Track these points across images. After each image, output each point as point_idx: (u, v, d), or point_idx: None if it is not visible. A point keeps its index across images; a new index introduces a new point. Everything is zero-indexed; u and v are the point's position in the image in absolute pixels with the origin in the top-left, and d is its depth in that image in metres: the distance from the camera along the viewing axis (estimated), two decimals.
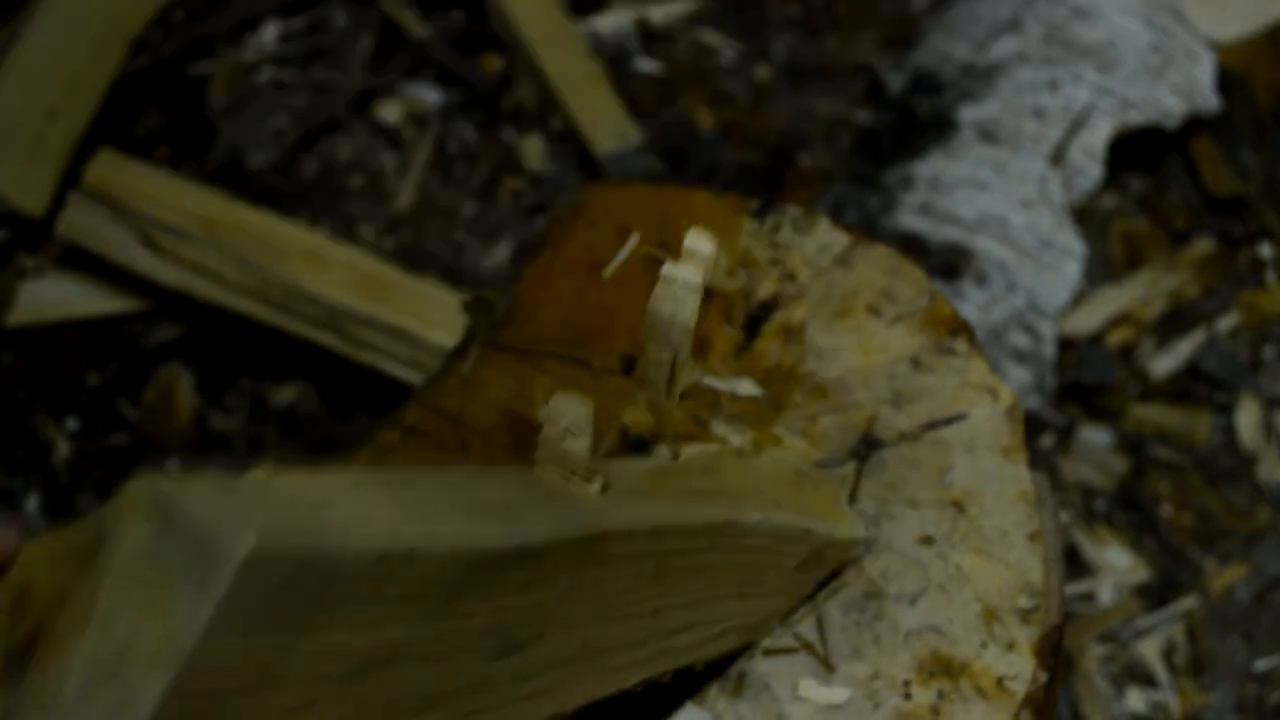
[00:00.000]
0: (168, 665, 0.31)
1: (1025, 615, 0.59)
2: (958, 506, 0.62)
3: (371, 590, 0.36)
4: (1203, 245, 1.18)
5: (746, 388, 0.67)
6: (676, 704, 0.60)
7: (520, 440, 0.70)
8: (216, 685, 0.33)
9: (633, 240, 0.73)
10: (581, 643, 0.47)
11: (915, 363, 0.67)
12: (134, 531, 0.33)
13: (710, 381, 0.68)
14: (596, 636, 0.48)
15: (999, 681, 0.57)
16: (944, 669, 0.58)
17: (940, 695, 0.58)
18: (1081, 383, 1.10)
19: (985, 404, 0.65)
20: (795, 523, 0.56)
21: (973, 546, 0.61)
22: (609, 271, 0.73)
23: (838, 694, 0.58)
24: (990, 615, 0.59)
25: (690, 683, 0.61)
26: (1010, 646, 0.58)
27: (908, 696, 0.58)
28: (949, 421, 0.65)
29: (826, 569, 0.60)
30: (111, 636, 0.33)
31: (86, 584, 0.33)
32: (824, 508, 0.60)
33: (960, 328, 0.67)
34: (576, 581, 0.45)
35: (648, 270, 0.72)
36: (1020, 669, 0.58)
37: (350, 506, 0.35)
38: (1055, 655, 0.59)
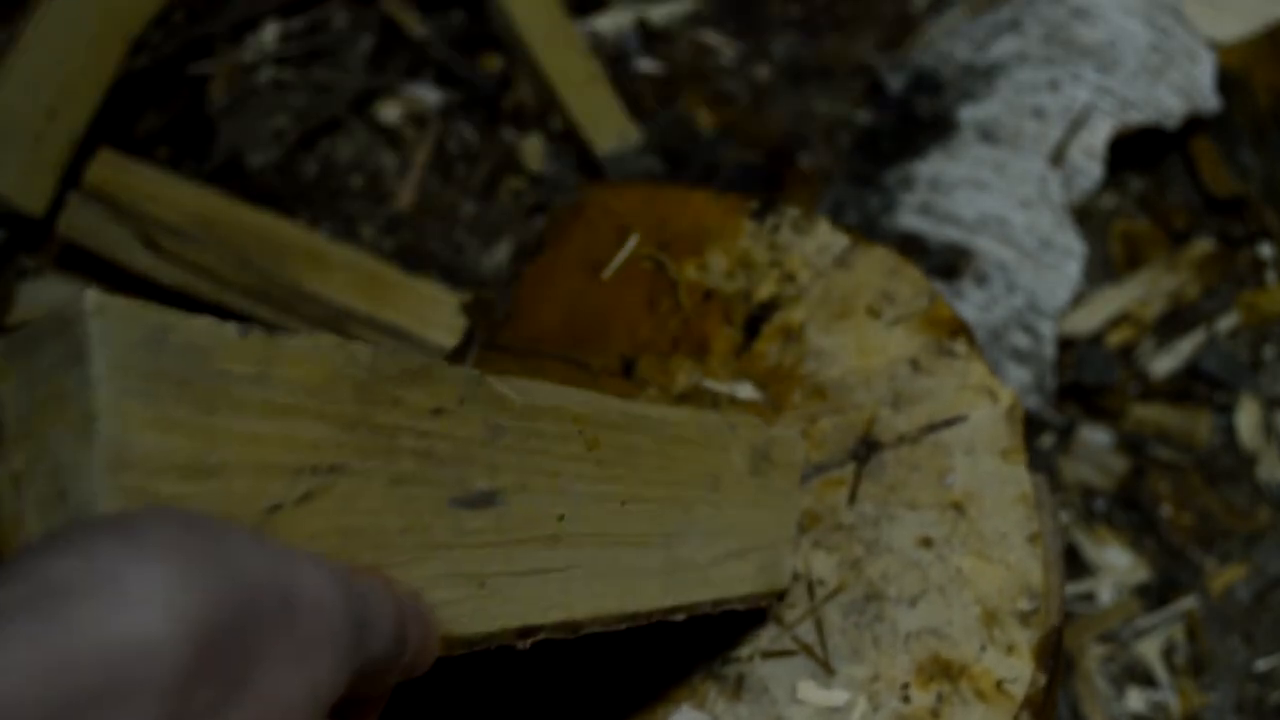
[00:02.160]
0: (90, 456, 0.33)
1: (1025, 618, 0.59)
2: (957, 508, 0.62)
3: (256, 371, 0.37)
4: (1203, 245, 1.18)
5: (746, 391, 0.67)
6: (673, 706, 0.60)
7: None
8: (148, 477, 0.34)
9: (632, 241, 0.73)
10: (558, 519, 0.48)
11: (915, 364, 0.67)
12: (6, 382, 0.34)
13: (710, 384, 0.68)
14: (573, 517, 0.48)
15: (998, 684, 0.57)
16: (943, 671, 0.58)
17: (940, 698, 0.58)
18: (1081, 383, 1.10)
19: (985, 406, 0.65)
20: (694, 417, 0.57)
21: (972, 549, 0.61)
22: (608, 272, 0.73)
23: (837, 696, 0.58)
24: (990, 617, 0.59)
25: (682, 680, 0.61)
26: (1010, 649, 0.58)
27: (907, 699, 0.58)
28: (948, 423, 0.65)
29: (782, 473, 0.61)
30: (39, 465, 0.34)
31: None
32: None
33: (959, 329, 0.67)
34: (501, 427, 0.45)
35: (647, 271, 0.73)
36: (1020, 671, 0.58)
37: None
38: (1055, 657, 0.59)
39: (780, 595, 0.62)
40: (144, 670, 0.30)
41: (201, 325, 0.36)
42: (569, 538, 0.48)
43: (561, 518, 0.48)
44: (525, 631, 0.46)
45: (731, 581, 0.57)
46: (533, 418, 0.47)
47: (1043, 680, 0.57)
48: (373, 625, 0.37)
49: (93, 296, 0.34)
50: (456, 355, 0.74)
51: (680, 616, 0.54)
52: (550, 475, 0.47)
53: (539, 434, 0.47)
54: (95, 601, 0.30)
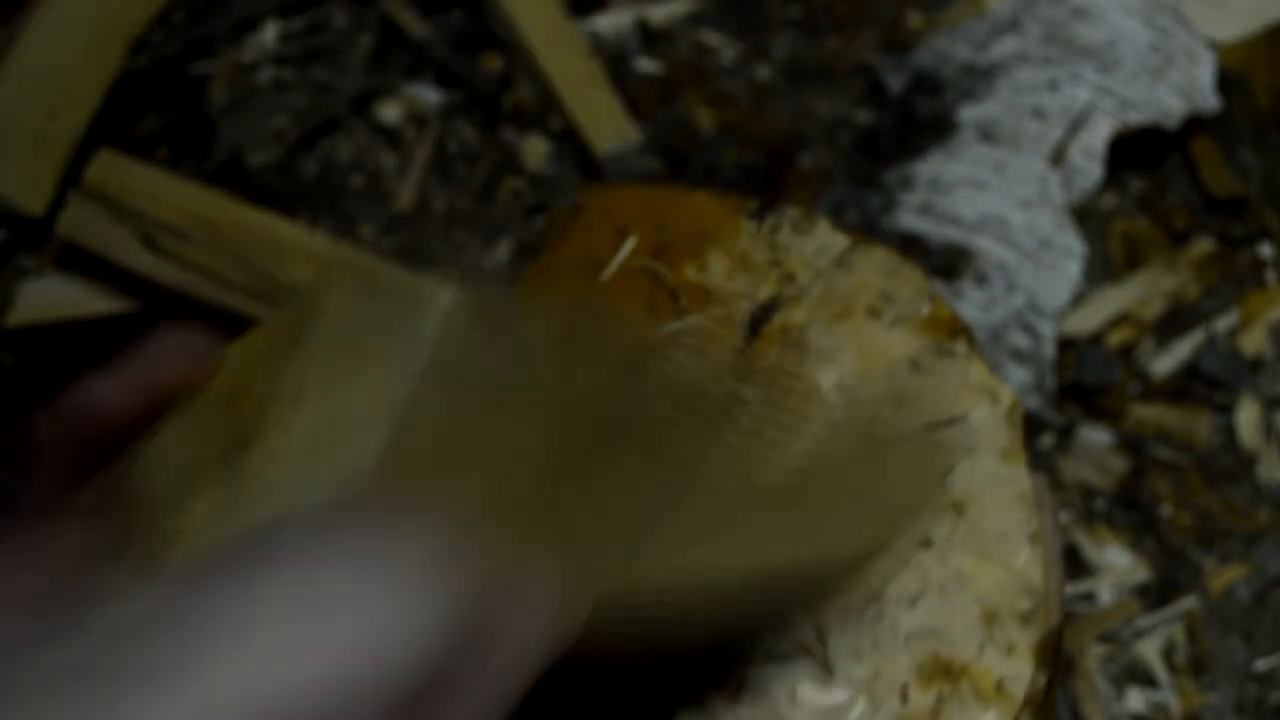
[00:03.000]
0: (382, 422, 0.32)
1: (1025, 617, 0.59)
2: (957, 509, 0.62)
3: (564, 352, 0.37)
4: (1203, 245, 1.18)
5: (746, 396, 0.67)
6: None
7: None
8: (428, 445, 0.33)
9: (629, 244, 0.73)
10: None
11: (915, 365, 0.67)
12: (339, 301, 0.33)
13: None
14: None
15: (998, 684, 0.58)
16: (943, 671, 0.58)
17: (939, 698, 0.58)
18: (1081, 383, 1.10)
19: (984, 406, 0.65)
20: None
21: (972, 549, 0.61)
22: (606, 275, 0.73)
23: (836, 697, 0.59)
24: (990, 617, 0.59)
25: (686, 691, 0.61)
26: (1010, 649, 0.58)
27: (907, 699, 0.58)
28: (948, 424, 0.65)
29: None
30: (327, 404, 0.33)
31: (294, 362, 0.34)
32: None
33: (959, 330, 0.67)
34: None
35: (646, 273, 0.73)
36: (1020, 671, 0.58)
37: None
38: (1055, 657, 0.59)
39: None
40: (377, 692, 0.29)
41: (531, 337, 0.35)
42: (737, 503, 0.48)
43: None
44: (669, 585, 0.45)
45: (845, 538, 0.57)
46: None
47: (1043, 680, 0.57)
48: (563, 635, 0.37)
49: (451, 290, 0.33)
50: None
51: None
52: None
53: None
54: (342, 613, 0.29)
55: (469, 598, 0.31)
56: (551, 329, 0.36)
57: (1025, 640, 0.58)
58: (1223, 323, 1.14)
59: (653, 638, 0.46)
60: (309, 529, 0.31)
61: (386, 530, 0.31)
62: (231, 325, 1.09)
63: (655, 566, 0.44)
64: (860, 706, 0.58)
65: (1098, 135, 1.14)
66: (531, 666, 0.34)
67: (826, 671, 0.59)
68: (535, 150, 1.23)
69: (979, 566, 0.61)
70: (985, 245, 1.11)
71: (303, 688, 0.28)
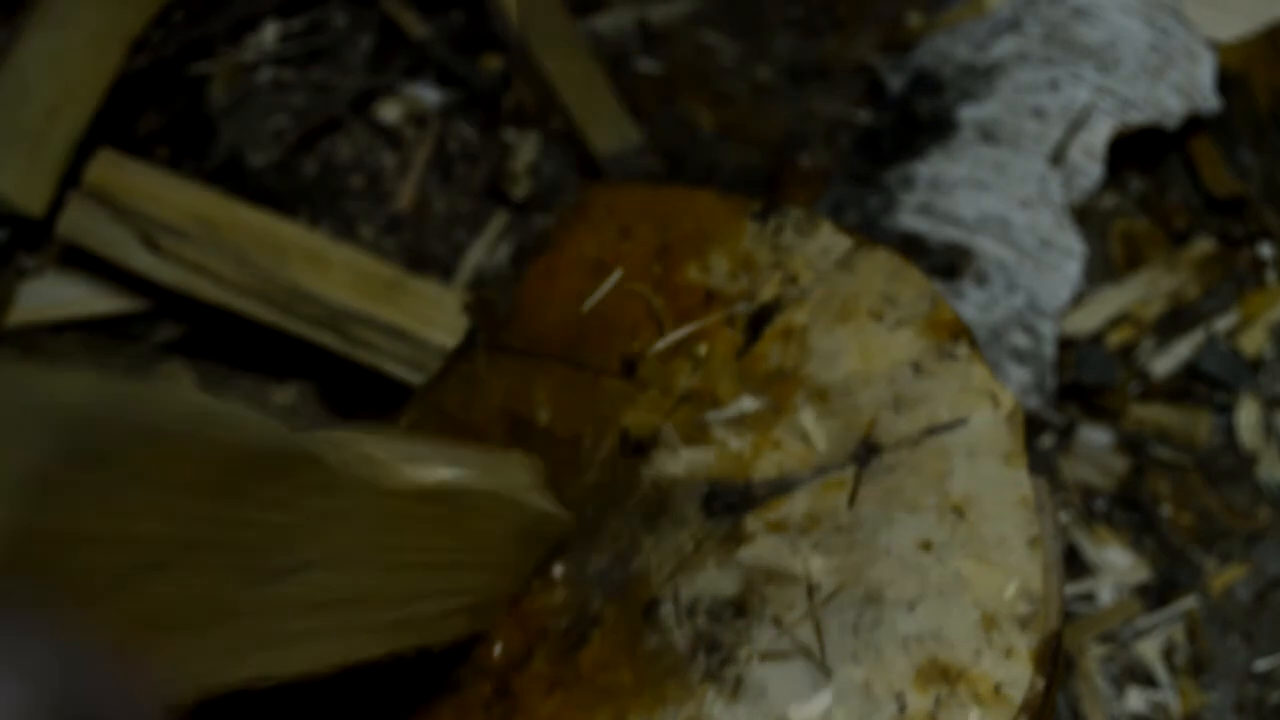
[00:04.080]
0: None
1: (1024, 621, 0.59)
2: (957, 512, 0.62)
3: (136, 470, 0.37)
4: (1203, 245, 1.18)
5: (748, 404, 0.67)
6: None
7: (519, 440, 0.70)
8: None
9: (614, 278, 0.72)
10: (347, 583, 0.49)
11: (916, 367, 0.67)
12: None
13: (712, 416, 0.68)
14: (351, 584, 0.50)
15: (996, 688, 0.58)
16: (942, 675, 0.58)
17: (937, 702, 0.58)
18: (1081, 383, 1.10)
19: (986, 409, 0.65)
20: (497, 485, 0.58)
21: (972, 552, 0.61)
22: (587, 306, 0.73)
23: (834, 699, 0.59)
24: (989, 621, 0.59)
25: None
26: (1008, 653, 0.58)
27: (905, 703, 0.58)
28: (949, 427, 0.65)
29: (543, 546, 0.62)
30: None
31: None
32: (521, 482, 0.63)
33: (961, 332, 0.67)
34: (334, 510, 0.46)
35: (651, 273, 0.73)
36: (1018, 676, 0.58)
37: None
38: (1054, 662, 0.59)
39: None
40: None
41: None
42: (335, 604, 0.50)
43: (347, 584, 0.49)
44: (259, 681, 0.47)
45: (449, 629, 0.59)
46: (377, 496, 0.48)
47: (1041, 684, 0.57)
48: None
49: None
50: (457, 355, 0.74)
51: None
52: (348, 546, 0.48)
53: (367, 510, 0.48)
54: None
55: (45, 692, 0.31)
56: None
57: (1024, 644, 0.58)
58: (1223, 323, 1.14)
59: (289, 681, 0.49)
60: None
61: None
62: (231, 325, 1.09)
63: (245, 664, 0.46)
64: (858, 709, 0.58)
65: (1098, 135, 1.14)
66: None
67: (824, 673, 0.59)
68: (535, 150, 1.23)
69: (978, 570, 0.61)
70: (985, 245, 1.11)
71: None
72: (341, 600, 0.50)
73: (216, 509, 0.41)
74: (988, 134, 1.15)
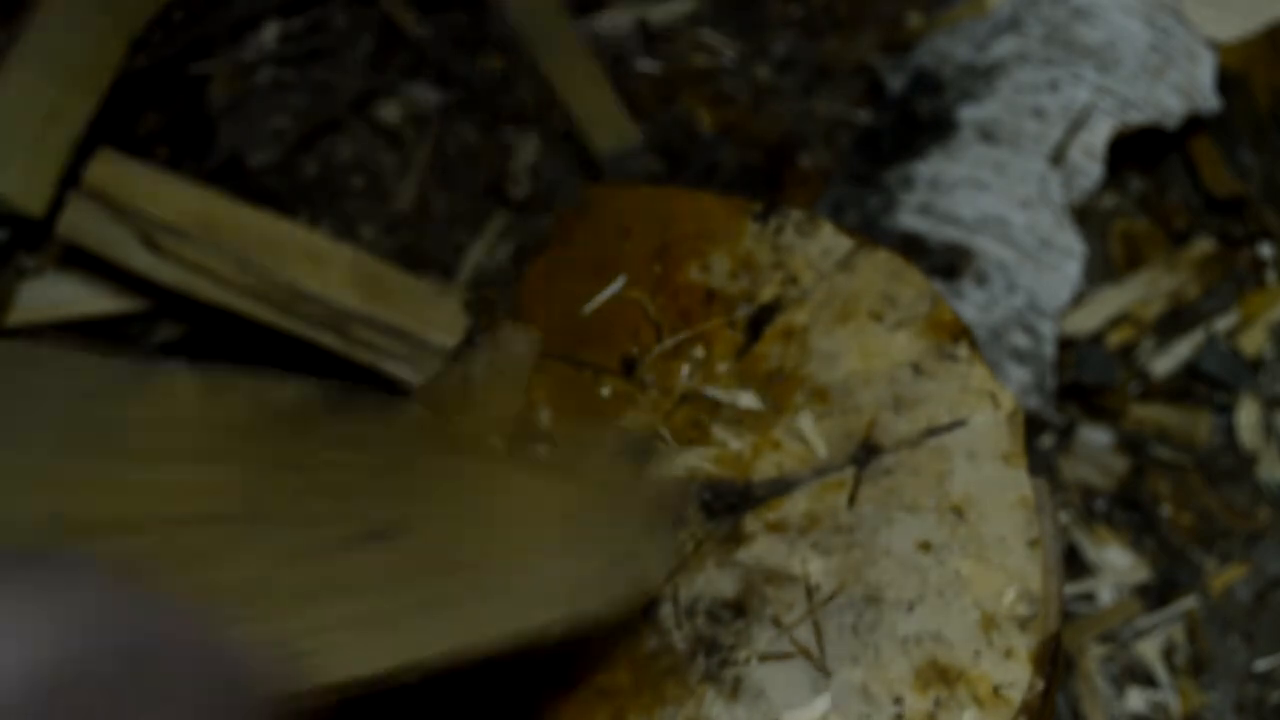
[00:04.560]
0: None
1: (1023, 623, 0.59)
2: (957, 512, 0.62)
3: (166, 417, 0.36)
4: (1203, 245, 1.18)
5: (747, 400, 0.67)
6: None
7: (518, 439, 0.70)
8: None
9: (617, 284, 0.72)
10: (449, 556, 0.46)
11: (916, 368, 0.67)
12: None
13: (711, 392, 0.68)
14: (475, 539, 0.47)
15: (996, 690, 0.58)
16: (941, 676, 0.58)
17: (937, 703, 0.58)
18: (1081, 383, 1.10)
19: (986, 410, 0.65)
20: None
21: (972, 553, 0.61)
22: (589, 310, 0.72)
23: (833, 700, 0.59)
24: (988, 622, 0.59)
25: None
26: (1008, 654, 0.58)
27: (904, 704, 0.58)
28: (949, 427, 0.65)
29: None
30: None
31: None
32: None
33: (961, 333, 0.67)
34: (415, 454, 0.44)
35: (652, 273, 0.73)
36: (1017, 677, 0.58)
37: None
38: (1053, 663, 0.59)
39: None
40: None
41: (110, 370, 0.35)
42: (468, 564, 0.47)
43: (459, 549, 0.46)
44: (414, 668, 0.44)
45: (618, 599, 0.56)
46: (455, 441, 0.46)
47: (1040, 686, 0.57)
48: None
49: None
50: (457, 355, 0.74)
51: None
52: (458, 498, 0.46)
53: (458, 451, 0.46)
54: None
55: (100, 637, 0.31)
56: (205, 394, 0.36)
57: (1024, 645, 0.58)
58: (1223, 323, 1.14)
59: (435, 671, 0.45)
60: None
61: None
62: (231, 325, 1.09)
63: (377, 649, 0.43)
64: (857, 710, 0.58)
65: (1098, 135, 1.14)
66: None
67: (823, 674, 0.59)
68: (535, 150, 1.23)
69: (978, 571, 0.61)
70: (985, 245, 1.11)
71: None
72: (464, 563, 0.46)
73: (281, 451, 0.38)
74: (988, 134, 1.15)
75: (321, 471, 0.40)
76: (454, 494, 0.45)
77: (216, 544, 0.38)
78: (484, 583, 0.48)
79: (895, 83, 1.22)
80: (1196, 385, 1.12)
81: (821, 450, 0.65)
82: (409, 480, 0.43)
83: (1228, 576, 1.03)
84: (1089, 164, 1.14)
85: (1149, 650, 1.01)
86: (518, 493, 0.49)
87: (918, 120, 1.18)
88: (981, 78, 1.18)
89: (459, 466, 0.46)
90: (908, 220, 1.12)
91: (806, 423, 0.66)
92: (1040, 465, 1.06)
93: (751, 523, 0.64)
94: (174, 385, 0.35)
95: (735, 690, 0.60)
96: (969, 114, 1.16)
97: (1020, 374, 1.06)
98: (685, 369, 0.69)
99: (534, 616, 0.51)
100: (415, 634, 0.44)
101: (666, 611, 0.63)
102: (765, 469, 0.65)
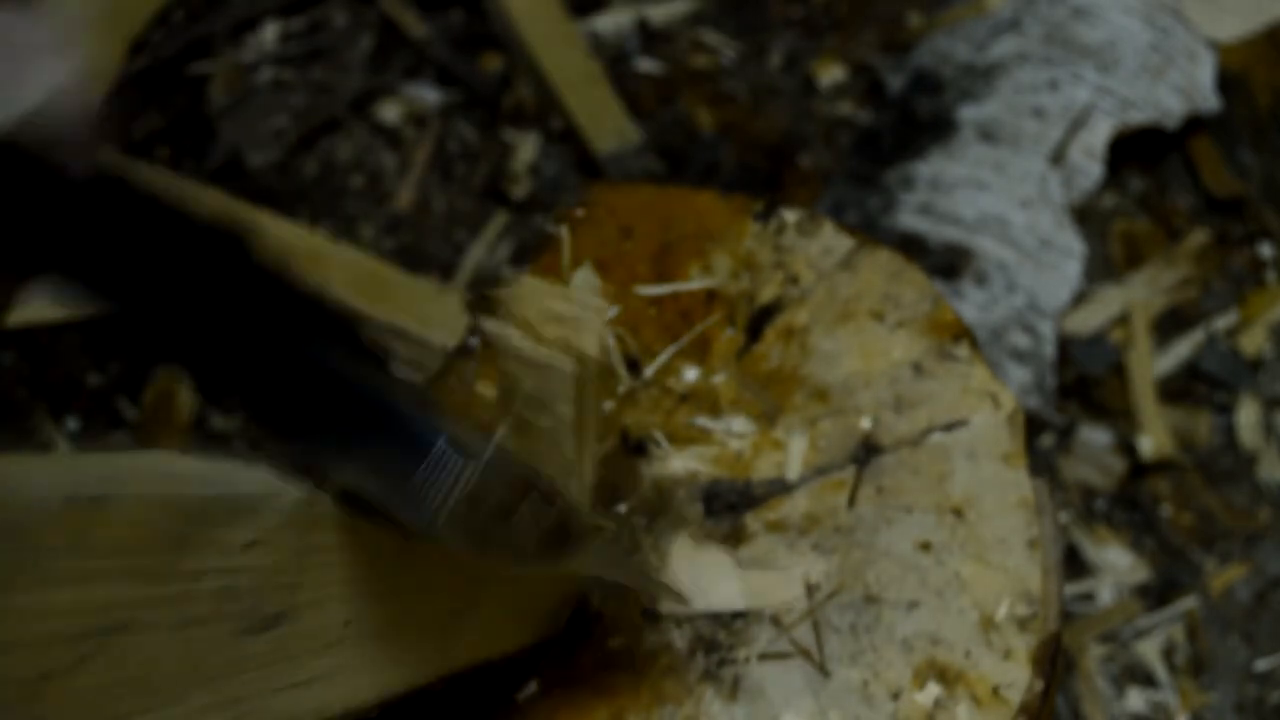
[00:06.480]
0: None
1: (1023, 623, 0.59)
2: (957, 513, 0.62)
3: (70, 542, 0.36)
4: (1201, 243, 1.18)
5: (740, 426, 0.67)
6: None
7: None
8: None
9: (610, 313, 0.72)
10: (343, 623, 0.48)
11: (917, 368, 0.67)
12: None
13: (703, 423, 0.68)
14: (360, 618, 0.48)
15: (995, 690, 0.57)
16: (940, 676, 0.58)
17: (936, 702, 0.58)
18: (1084, 375, 1.10)
19: (986, 410, 0.65)
20: None
21: (971, 553, 0.61)
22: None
23: (833, 700, 0.58)
24: (988, 623, 0.59)
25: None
26: (1007, 654, 0.58)
27: (903, 703, 0.58)
28: (950, 427, 0.65)
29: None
30: None
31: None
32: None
33: (962, 333, 0.67)
34: (313, 546, 0.45)
35: (648, 272, 0.73)
36: (1016, 677, 0.57)
37: (32, 465, 0.36)
38: (1052, 663, 0.59)
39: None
40: None
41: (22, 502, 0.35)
42: (351, 640, 0.48)
43: (347, 623, 0.48)
44: None
45: (505, 641, 0.57)
46: (353, 530, 0.46)
47: (1039, 686, 0.57)
48: None
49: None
50: (457, 355, 0.74)
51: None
52: (346, 582, 0.47)
53: (350, 545, 0.47)
54: None
55: None
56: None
57: (1023, 646, 0.58)
58: (1223, 322, 1.14)
59: None
60: None
61: None
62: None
63: None
64: (856, 710, 0.58)
65: (1098, 135, 1.14)
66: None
67: (823, 674, 0.59)
68: (535, 150, 1.23)
69: (978, 571, 0.61)
70: (985, 245, 1.11)
71: None
72: (358, 636, 0.49)
73: (174, 561, 0.40)
74: (988, 134, 1.15)
75: (219, 578, 0.41)
76: (354, 575, 0.47)
77: (111, 652, 0.39)
78: (377, 647, 0.50)
79: (895, 83, 1.22)
80: (1196, 385, 1.12)
81: (821, 445, 0.65)
82: (310, 569, 0.45)
83: (1228, 576, 1.03)
84: (1089, 164, 1.14)
85: (1149, 650, 1.01)
86: (422, 564, 0.51)
87: (918, 120, 1.18)
88: (981, 78, 1.18)
89: (368, 548, 0.48)
90: (908, 220, 1.12)
91: (809, 419, 0.66)
92: (1040, 465, 1.06)
93: (752, 522, 0.64)
94: (81, 510, 0.36)
95: (734, 689, 0.60)
96: (969, 114, 1.16)
97: (1020, 374, 1.06)
98: (686, 369, 0.69)
99: (439, 664, 0.54)
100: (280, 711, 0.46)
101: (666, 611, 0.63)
102: (765, 469, 0.65)
